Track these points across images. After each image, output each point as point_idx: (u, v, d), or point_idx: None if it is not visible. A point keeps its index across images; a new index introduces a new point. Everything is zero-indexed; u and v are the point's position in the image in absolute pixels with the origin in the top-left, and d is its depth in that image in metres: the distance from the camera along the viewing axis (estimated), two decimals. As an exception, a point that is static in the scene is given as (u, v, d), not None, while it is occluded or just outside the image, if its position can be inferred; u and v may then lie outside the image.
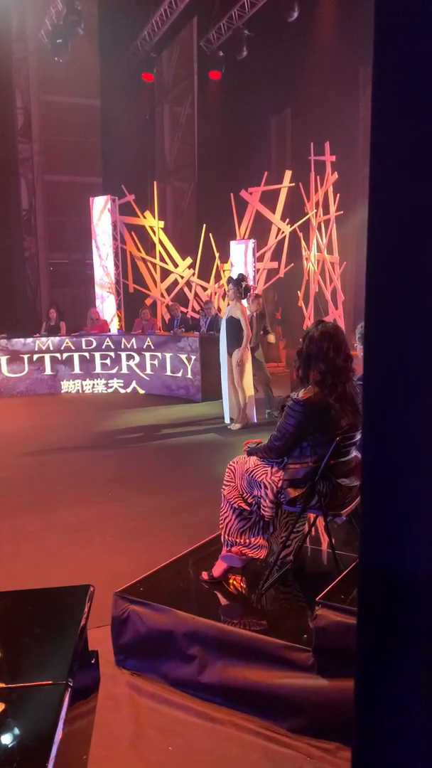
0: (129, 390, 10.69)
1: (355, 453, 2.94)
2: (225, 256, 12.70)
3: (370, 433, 1.25)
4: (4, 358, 10.67)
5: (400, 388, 1.18)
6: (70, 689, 1.31)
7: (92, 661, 1.82)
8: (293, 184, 12.49)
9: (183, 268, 13.10)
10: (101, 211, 12.13)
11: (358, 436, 2.89)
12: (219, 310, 11.32)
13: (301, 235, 12.38)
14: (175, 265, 13.13)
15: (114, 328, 11.91)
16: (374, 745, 1.29)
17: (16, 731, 1.21)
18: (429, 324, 1.14)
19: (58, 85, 16.27)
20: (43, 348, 10.80)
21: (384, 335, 1.21)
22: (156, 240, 12.89)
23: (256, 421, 7.76)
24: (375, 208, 1.22)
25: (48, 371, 10.83)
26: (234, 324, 7.47)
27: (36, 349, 10.79)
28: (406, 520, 1.17)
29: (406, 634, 1.18)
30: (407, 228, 1.17)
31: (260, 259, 12.59)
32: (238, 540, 2.98)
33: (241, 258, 12.18)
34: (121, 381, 10.74)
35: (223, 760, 2.25)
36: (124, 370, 10.71)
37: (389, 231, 1.19)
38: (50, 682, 1.33)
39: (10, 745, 1.16)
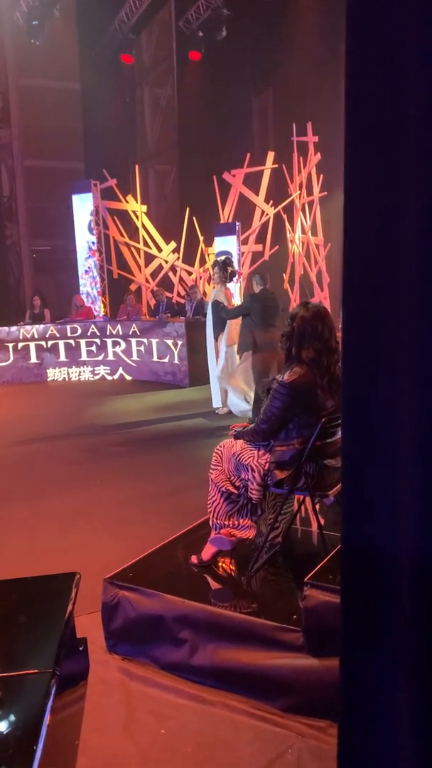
0: (116, 377, 10.65)
1: (341, 434, 2.94)
2: (209, 240, 12.63)
3: (348, 415, 1.24)
4: (-12, 347, 10.59)
5: (378, 369, 1.17)
6: (56, 677, 1.30)
7: (80, 648, 1.81)
8: (276, 166, 12.41)
9: (167, 253, 13.01)
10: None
11: (342, 414, 2.89)
12: (205, 294, 11.27)
13: (285, 217, 12.32)
14: (159, 250, 13.04)
15: (98, 311, 11.83)
16: (359, 721, 1.30)
17: (3, 720, 1.21)
18: (404, 308, 1.14)
19: (36, 68, 15.97)
20: (28, 336, 10.71)
21: (361, 321, 1.20)
22: (139, 224, 12.79)
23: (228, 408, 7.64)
24: (350, 195, 1.21)
25: (33, 359, 10.76)
26: (219, 308, 7.40)
27: (20, 337, 10.71)
28: (385, 500, 1.17)
29: (387, 611, 1.19)
30: (381, 214, 1.16)
31: (245, 242, 12.53)
32: (226, 523, 2.99)
33: (227, 244, 12.10)
34: (108, 368, 10.69)
35: (216, 742, 2.27)
36: (111, 357, 10.65)
37: (364, 217, 1.18)
38: (36, 670, 1.33)
39: (-4, 735, 1.16)
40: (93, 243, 12.18)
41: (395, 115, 1.15)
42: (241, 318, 7.04)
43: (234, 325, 7.34)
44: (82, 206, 12.16)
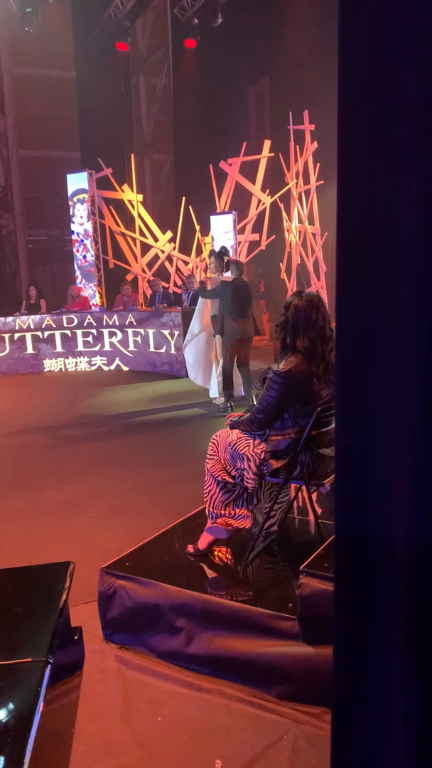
0: (112, 367, 10.63)
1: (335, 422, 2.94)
2: (205, 229, 12.58)
3: (342, 404, 1.24)
4: (-16, 338, 10.57)
5: (371, 356, 1.17)
6: (50, 666, 1.31)
7: (75, 638, 1.82)
8: (273, 155, 12.34)
9: (163, 243, 12.96)
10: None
11: (335, 403, 2.89)
12: (201, 283, 11.23)
13: (281, 206, 12.27)
14: (156, 240, 12.99)
15: (95, 300, 11.82)
16: (353, 707, 1.31)
17: (-4, 709, 1.21)
18: (397, 300, 1.13)
19: (30, 56, 15.83)
20: (24, 327, 10.68)
21: (355, 308, 1.19)
22: (135, 214, 12.73)
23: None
24: (343, 185, 1.20)
25: (30, 350, 10.74)
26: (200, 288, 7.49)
27: (17, 327, 10.68)
28: (378, 488, 1.17)
29: (380, 599, 1.19)
30: (375, 197, 1.15)
31: (241, 231, 12.48)
32: (222, 512, 3.00)
33: (225, 230, 12.05)
34: (105, 358, 10.68)
35: (212, 729, 2.28)
36: (107, 348, 10.63)
37: (357, 208, 1.17)
38: (30, 659, 1.33)
39: (-10, 723, 1.16)
40: (77, 233, 12.23)
41: (389, 103, 1.14)
42: (210, 303, 7.27)
43: (204, 310, 7.47)
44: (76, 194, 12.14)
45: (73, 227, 12.44)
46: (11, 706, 1.23)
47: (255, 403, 6.83)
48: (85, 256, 12.32)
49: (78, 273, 12.50)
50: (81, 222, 12.22)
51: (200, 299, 7.58)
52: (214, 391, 7.79)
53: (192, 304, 9.96)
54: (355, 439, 1.20)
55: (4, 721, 1.17)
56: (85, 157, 14.38)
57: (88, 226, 12.15)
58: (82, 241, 12.32)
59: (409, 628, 1.16)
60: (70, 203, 12.31)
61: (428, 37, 1.09)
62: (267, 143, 12.51)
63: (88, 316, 10.67)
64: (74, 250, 12.54)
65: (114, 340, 10.57)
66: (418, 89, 1.11)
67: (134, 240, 12.81)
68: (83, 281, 12.30)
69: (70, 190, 12.14)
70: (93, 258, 12.19)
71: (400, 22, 1.14)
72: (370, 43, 1.15)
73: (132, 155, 13.47)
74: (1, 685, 1.27)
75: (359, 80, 1.17)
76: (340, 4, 1.15)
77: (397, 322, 1.13)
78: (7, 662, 1.34)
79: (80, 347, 10.72)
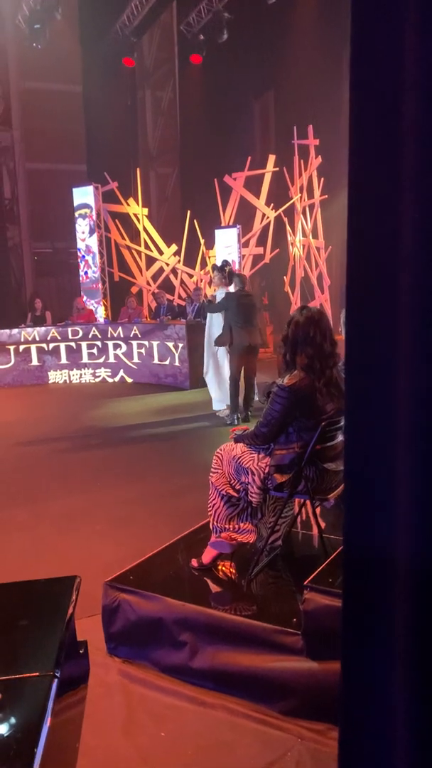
0: (117, 379, 10.66)
1: (341, 437, 2.95)
2: (210, 243, 12.65)
3: (351, 419, 1.25)
4: (-11, 350, 10.62)
5: (380, 374, 1.18)
6: (57, 680, 1.31)
7: (81, 651, 1.82)
8: (277, 169, 12.44)
9: (168, 256, 13.04)
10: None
11: (344, 421, 2.90)
12: (206, 297, 11.29)
13: (286, 220, 12.35)
14: (161, 253, 13.06)
15: (100, 317, 11.87)
16: (360, 725, 1.31)
17: (3, 724, 1.21)
18: (406, 312, 1.15)
19: (38, 71, 16.01)
20: (29, 338, 10.73)
21: (364, 320, 1.21)
22: (140, 227, 12.82)
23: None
24: (353, 199, 1.22)
25: (35, 362, 10.78)
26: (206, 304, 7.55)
27: (22, 339, 10.72)
28: (388, 504, 1.18)
29: (389, 615, 1.20)
30: (385, 217, 1.17)
31: (245, 244, 12.55)
32: (226, 526, 3.00)
33: (227, 244, 12.12)
34: (109, 370, 10.71)
35: (216, 744, 2.27)
36: (112, 359, 10.67)
37: (368, 219, 1.19)
38: (37, 673, 1.34)
39: (-3, 737, 1.17)
40: (79, 249, 12.31)
41: (397, 115, 1.15)
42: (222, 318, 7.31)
43: (216, 326, 7.50)
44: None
45: (78, 243, 12.53)
46: (19, 720, 1.23)
47: (249, 413, 6.87)
48: (86, 272, 12.40)
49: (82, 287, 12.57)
50: (83, 237, 12.31)
51: (207, 320, 7.65)
52: (217, 403, 7.81)
53: (197, 316, 10.01)
54: (364, 457, 1.21)
55: (11, 735, 1.18)
56: (91, 170, 14.49)
57: (90, 241, 12.22)
58: (83, 257, 12.41)
59: (418, 645, 1.17)
60: (76, 216, 12.40)
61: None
62: (271, 158, 12.61)
63: (93, 328, 10.72)
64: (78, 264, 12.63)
65: (118, 352, 10.60)
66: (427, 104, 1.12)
67: (139, 253, 12.89)
68: (86, 298, 12.37)
69: (76, 203, 12.24)
70: (95, 274, 12.25)
71: (409, 35, 1.15)
72: (380, 57, 1.17)
73: (138, 169, 13.59)
74: (9, 699, 1.27)
75: (370, 93, 1.18)
76: (352, 40, 1.18)
77: (404, 342, 1.15)
78: (14, 676, 1.35)
79: (85, 359, 10.76)
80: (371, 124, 1.19)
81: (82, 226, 12.31)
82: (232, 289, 7.37)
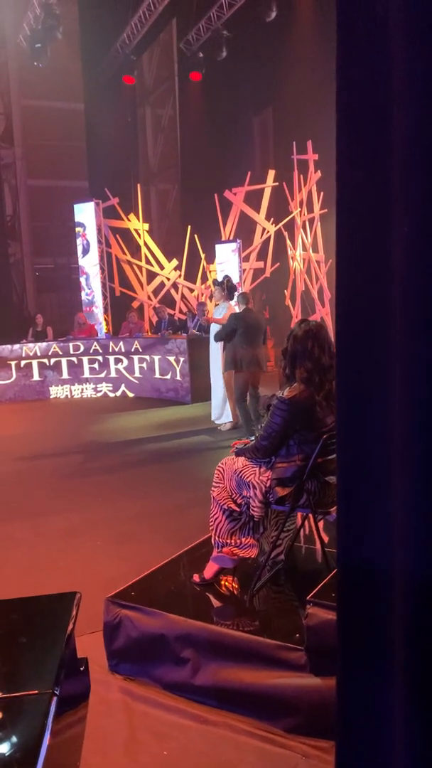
0: (118, 394, 10.66)
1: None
2: (211, 257, 12.70)
3: (344, 433, 1.25)
4: (-9, 365, 10.63)
5: (372, 387, 1.18)
6: (56, 698, 1.30)
7: (81, 669, 1.80)
8: (277, 184, 12.51)
9: (169, 270, 13.09)
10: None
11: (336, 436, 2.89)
12: (207, 311, 11.33)
13: (286, 234, 12.39)
14: (161, 267, 13.11)
15: (101, 332, 11.89)
16: (356, 741, 1.29)
17: (2, 742, 1.20)
18: (399, 325, 1.14)
19: (39, 89, 16.20)
20: (31, 354, 10.74)
21: (355, 335, 1.20)
22: (141, 243, 12.87)
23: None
24: (341, 210, 1.22)
25: (36, 377, 10.78)
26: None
27: (23, 355, 10.74)
28: (381, 519, 1.17)
29: (383, 630, 1.18)
30: (372, 228, 1.17)
31: (246, 259, 12.59)
32: (228, 541, 2.98)
33: (220, 261, 12.16)
34: (110, 385, 10.71)
35: (219, 763, 2.24)
36: (113, 374, 10.67)
37: (355, 232, 1.19)
38: (36, 691, 1.32)
39: (-5, 757, 1.15)
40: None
41: (383, 134, 1.16)
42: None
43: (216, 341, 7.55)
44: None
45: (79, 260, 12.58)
46: (17, 739, 1.21)
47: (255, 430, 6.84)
48: (81, 294, 12.50)
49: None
50: (81, 257, 12.38)
51: (211, 346, 7.67)
52: (216, 415, 7.82)
53: (198, 331, 10.02)
54: (357, 470, 1.21)
55: (10, 755, 1.16)
56: (92, 186, 14.61)
57: (83, 261, 12.26)
58: (80, 275, 12.51)
59: (414, 660, 1.15)
60: (83, 232, 12.43)
61: (424, 77, 1.12)
62: (271, 173, 12.69)
63: (94, 343, 10.73)
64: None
65: (120, 366, 10.61)
66: (410, 122, 1.13)
67: (140, 268, 12.94)
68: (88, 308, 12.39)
69: (77, 219, 12.31)
70: (88, 297, 12.27)
71: (393, 54, 1.16)
72: (366, 76, 1.18)
73: (138, 185, 13.67)
74: (7, 717, 1.26)
75: (358, 122, 1.19)
76: (338, 53, 1.19)
77: (396, 354, 1.14)
78: (12, 694, 1.33)
79: (86, 374, 10.76)
80: (359, 141, 1.19)
81: (78, 245, 12.38)
82: (236, 308, 7.37)
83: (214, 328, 7.67)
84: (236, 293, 7.55)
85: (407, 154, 1.11)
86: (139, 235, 12.86)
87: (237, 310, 7.32)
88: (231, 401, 7.56)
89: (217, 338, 7.17)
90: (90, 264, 12.20)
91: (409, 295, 1.12)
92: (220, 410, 7.82)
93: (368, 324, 1.18)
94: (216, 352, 7.74)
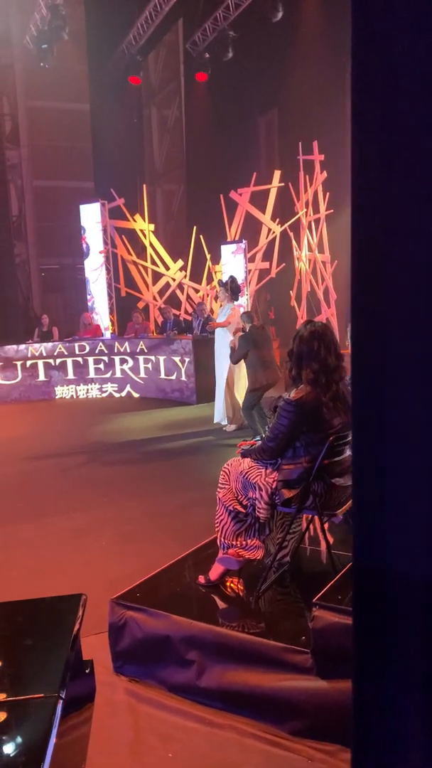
0: (123, 394, 10.66)
1: (348, 452, 2.93)
2: (216, 258, 12.69)
3: (359, 434, 1.23)
4: (-3, 365, 10.65)
5: (388, 387, 1.17)
6: (62, 701, 1.29)
7: (87, 671, 1.80)
8: (282, 184, 12.49)
9: (174, 271, 13.08)
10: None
11: (352, 438, 2.88)
12: (212, 311, 11.31)
13: (291, 234, 12.37)
14: (167, 268, 13.11)
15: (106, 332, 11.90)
16: (373, 747, 1.28)
17: (7, 746, 1.19)
18: (415, 324, 1.13)
19: (45, 90, 16.23)
20: (36, 354, 10.76)
21: (371, 334, 1.19)
22: (147, 243, 12.87)
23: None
24: (356, 209, 1.21)
25: (41, 377, 10.79)
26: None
27: (29, 355, 10.75)
28: (397, 521, 1.16)
29: (401, 635, 1.17)
30: (389, 224, 1.16)
31: (251, 259, 12.57)
32: (234, 542, 2.97)
33: (227, 261, 12.14)
34: (116, 385, 10.71)
35: (224, 765, 2.23)
36: (118, 374, 10.68)
37: (371, 228, 1.18)
38: (41, 695, 1.31)
39: (1, 762, 1.14)
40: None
41: (400, 127, 1.15)
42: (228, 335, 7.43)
43: (222, 344, 7.59)
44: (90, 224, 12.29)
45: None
46: (23, 742, 1.21)
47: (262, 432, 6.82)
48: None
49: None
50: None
51: (216, 343, 7.66)
52: (219, 416, 7.81)
53: (202, 332, 10.02)
54: (372, 472, 1.20)
55: (15, 758, 1.15)
56: (98, 187, 14.61)
57: (87, 264, 12.28)
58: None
59: (429, 664, 1.14)
60: (82, 235, 12.46)
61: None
62: (277, 173, 12.67)
63: (100, 344, 10.74)
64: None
65: (125, 367, 10.61)
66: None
67: (146, 268, 12.94)
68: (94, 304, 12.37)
69: (83, 220, 12.32)
70: (89, 302, 12.29)
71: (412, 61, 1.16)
72: (381, 82, 1.17)
73: (144, 185, 13.67)
74: (13, 720, 1.25)
75: (372, 108, 1.18)
76: (353, 49, 1.18)
77: (414, 361, 1.13)
78: (18, 697, 1.33)
79: (92, 374, 10.77)
80: (373, 138, 1.18)
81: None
82: (241, 311, 7.38)
83: (219, 331, 7.68)
84: (242, 313, 7.52)
85: (422, 152, 1.10)
86: (144, 235, 12.86)
87: (240, 311, 7.38)
88: (230, 395, 7.61)
89: (235, 361, 7.14)
90: (90, 268, 12.21)
91: (422, 292, 1.11)
92: (228, 413, 7.78)
93: (385, 321, 1.17)
94: (221, 353, 7.73)
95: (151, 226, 13.10)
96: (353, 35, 1.19)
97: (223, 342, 7.64)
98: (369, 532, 1.20)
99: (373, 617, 1.21)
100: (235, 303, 7.70)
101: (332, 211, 12.44)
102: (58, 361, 10.76)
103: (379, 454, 1.19)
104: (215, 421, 7.87)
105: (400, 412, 1.15)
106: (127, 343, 10.59)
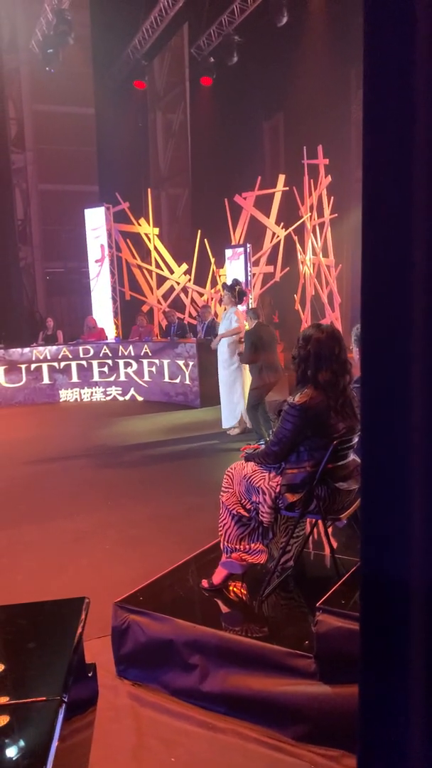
0: (127, 397, 10.67)
1: (352, 456, 2.92)
2: (220, 262, 12.71)
3: (368, 437, 1.23)
4: (1, 368, 10.66)
5: (398, 391, 1.16)
6: (64, 705, 1.29)
7: (89, 674, 1.79)
8: (287, 188, 12.51)
9: (179, 275, 13.11)
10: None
11: (356, 440, 2.87)
12: (216, 315, 11.32)
13: (296, 238, 12.39)
14: (171, 272, 13.14)
15: (111, 335, 11.92)
16: (379, 754, 1.27)
17: (9, 749, 1.19)
18: (425, 327, 1.13)
19: (51, 94, 16.32)
20: (41, 357, 10.78)
21: (381, 337, 1.19)
22: (151, 247, 12.90)
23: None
24: (368, 210, 1.21)
25: (46, 380, 10.81)
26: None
27: (33, 358, 10.77)
28: (407, 525, 1.15)
29: (409, 640, 1.17)
30: (400, 228, 1.16)
31: (256, 263, 12.59)
32: (237, 546, 2.96)
33: (229, 265, 12.17)
34: (120, 388, 10.72)
35: (227, 770, 2.22)
36: (122, 378, 10.69)
37: (382, 231, 1.18)
38: (44, 698, 1.31)
39: (2, 765, 1.14)
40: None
41: (412, 131, 1.15)
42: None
43: (225, 348, 7.58)
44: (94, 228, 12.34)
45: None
46: (25, 745, 1.21)
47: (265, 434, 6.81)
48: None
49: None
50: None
51: (219, 347, 7.66)
52: (226, 421, 7.80)
53: (207, 335, 10.02)
54: (380, 476, 1.19)
55: (18, 761, 1.15)
56: (102, 191, 14.67)
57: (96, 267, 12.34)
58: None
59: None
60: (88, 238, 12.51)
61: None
62: (281, 177, 12.70)
63: (104, 347, 10.76)
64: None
65: (129, 370, 10.62)
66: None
67: (150, 272, 12.97)
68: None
69: (88, 224, 12.36)
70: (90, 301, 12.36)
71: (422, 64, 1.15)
72: (394, 76, 1.16)
73: (149, 189, 13.71)
74: (15, 724, 1.25)
75: (383, 122, 1.18)
76: (365, 54, 1.18)
77: (425, 366, 1.13)
78: (20, 701, 1.33)
79: (96, 377, 10.79)
80: (384, 143, 1.18)
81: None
82: (246, 315, 7.36)
83: (224, 342, 7.66)
84: (248, 309, 7.52)
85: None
86: (149, 239, 12.89)
87: (244, 314, 7.38)
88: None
89: (246, 361, 7.12)
90: (94, 273, 12.28)
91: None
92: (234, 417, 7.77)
93: (393, 325, 1.16)
94: (225, 357, 7.72)
95: (156, 230, 13.13)
96: (365, 28, 1.18)
97: (226, 348, 7.64)
98: (377, 536, 1.19)
99: (381, 622, 1.20)
100: (238, 307, 7.69)
101: (336, 215, 12.45)
102: (62, 364, 10.78)
103: (388, 458, 1.19)
104: (223, 428, 7.83)
105: (410, 417, 1.15)
106: (131, 347, 10.61)
